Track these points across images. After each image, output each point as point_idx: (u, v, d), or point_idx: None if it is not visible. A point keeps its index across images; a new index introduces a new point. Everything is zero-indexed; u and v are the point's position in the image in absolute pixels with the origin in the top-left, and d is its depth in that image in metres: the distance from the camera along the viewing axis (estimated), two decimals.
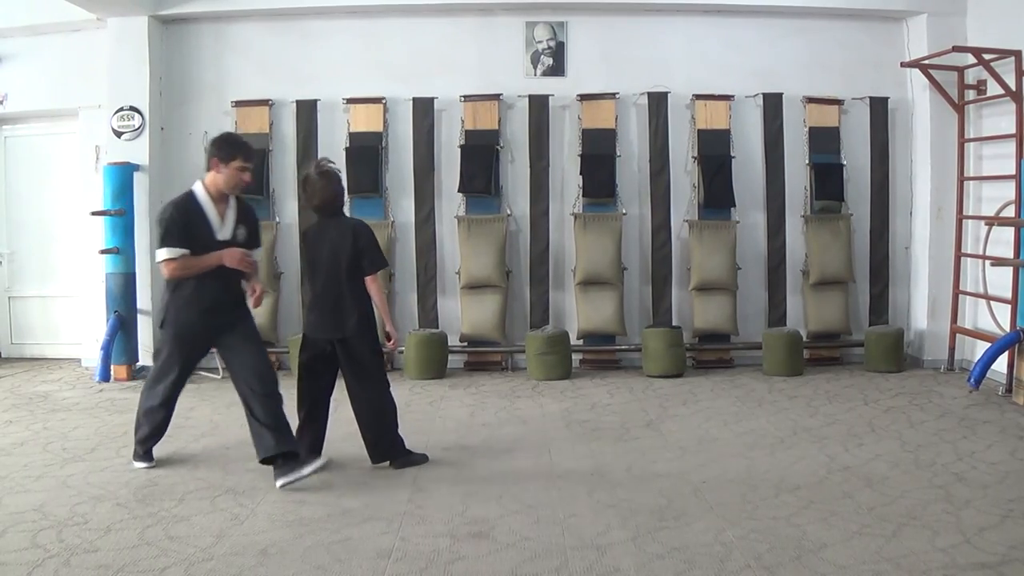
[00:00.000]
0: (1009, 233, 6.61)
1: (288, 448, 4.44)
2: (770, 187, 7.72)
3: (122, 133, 7.47)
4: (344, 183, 5.01)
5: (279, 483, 4.37)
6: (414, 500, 4.19)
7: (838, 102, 7.69)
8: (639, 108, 7.69)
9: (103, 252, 7.24)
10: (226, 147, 4.54)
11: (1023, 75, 6.47)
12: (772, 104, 7.67)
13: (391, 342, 4.84)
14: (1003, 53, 6.54)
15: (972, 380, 6.25)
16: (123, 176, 7.30)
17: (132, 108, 7.44)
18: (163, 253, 4.45)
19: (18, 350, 8.29)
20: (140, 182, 7.42)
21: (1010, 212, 6.67)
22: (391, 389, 4.81)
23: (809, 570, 3.33)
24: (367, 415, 4.76)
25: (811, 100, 7.67)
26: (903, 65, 7.50)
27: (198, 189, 4.57)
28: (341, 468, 4.71)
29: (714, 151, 7.56)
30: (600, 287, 7.42)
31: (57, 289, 8.13)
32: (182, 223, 4.46)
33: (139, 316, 7.40)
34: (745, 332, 7.64)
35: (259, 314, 7.44)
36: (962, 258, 7.40)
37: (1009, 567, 3.33)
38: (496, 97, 7.59)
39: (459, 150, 7.51)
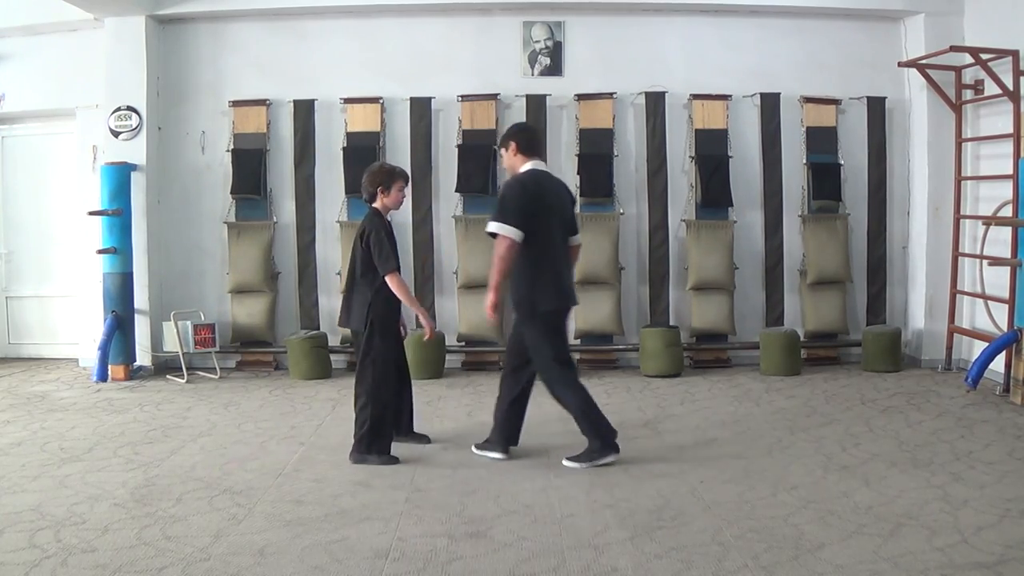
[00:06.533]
0: (1006, 233, 6.61)
1: None
2: (767, 187, 7.72)
3: (119, 133, 7.46)
4: None
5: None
6: (411, 500, 4.19)
7: (835, 102, 7.70)
8: (636, 108, 7.69)
9: (100, 252, 7.23)
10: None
11: (1020, 75, 6.48)
12: (769, 104, 7.68)
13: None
14: (1000, 53, 6.55)
15: (969, 380, 6.25)
16: (120, 176, 7.29)
17: (129, 108, 7.43)
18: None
19: (15, 350, 8.28)
20: (137, 182, 7.42)
21: (1007, 212, 6.68)
22: None
23: (807, 570, 3.33)
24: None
25: (808, 100, 7.67)
26: (900, 65, 7.50)
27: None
28: (338, 467, 4.72)
29: (711, 151, 7.55)
30: (598, 287, 7.41)
31: (55, 289, 8.12)
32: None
33: (136, 316, 7.39)
34: (742, 332, 7.64)
35: (254, 314, 7.52)
36: (959, 258, 7.41)
37: (1007, 567, 3.33)
38: (493, 97, 7.58)
39: (456, 150, 7.51)
